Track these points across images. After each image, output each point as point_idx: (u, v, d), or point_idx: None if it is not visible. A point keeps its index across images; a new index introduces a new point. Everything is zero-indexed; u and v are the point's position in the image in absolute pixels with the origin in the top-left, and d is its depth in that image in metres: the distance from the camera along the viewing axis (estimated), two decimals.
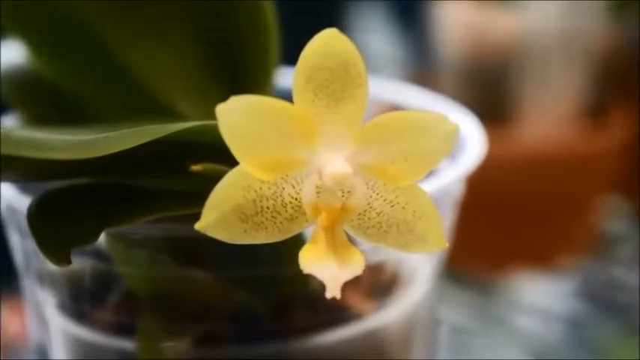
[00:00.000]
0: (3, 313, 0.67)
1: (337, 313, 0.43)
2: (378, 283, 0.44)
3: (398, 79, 0.94)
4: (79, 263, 0.42)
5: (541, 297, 0.82)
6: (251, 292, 0.42)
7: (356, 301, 0.44)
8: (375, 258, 0.43)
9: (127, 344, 0.42)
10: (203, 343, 0.42)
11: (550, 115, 0.86)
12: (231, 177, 0.33)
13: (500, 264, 0.86)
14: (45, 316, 0.45)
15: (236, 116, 0.32)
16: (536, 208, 0.85)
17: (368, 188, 0.33)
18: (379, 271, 0.45)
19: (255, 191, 0.33)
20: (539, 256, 0.86)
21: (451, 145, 0.33)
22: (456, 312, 0.79)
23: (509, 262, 0.86)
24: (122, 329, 0.42)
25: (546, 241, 0.87)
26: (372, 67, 0.96)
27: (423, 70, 0.93)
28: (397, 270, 0.45)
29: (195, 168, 0.35)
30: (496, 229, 0.85)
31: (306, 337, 0.42)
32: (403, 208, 0.34)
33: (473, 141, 0.46)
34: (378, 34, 0.99)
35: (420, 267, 0.46)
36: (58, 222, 0.36)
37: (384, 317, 0.44)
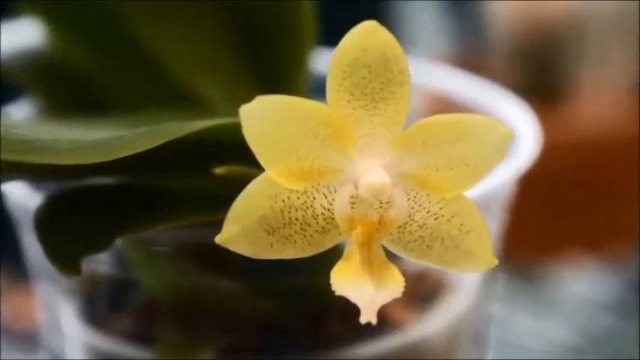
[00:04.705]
0: (17, 300, 0.64)
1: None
2: (420, 291, 0.41)
3: (447, 55, 0.90)
4: (96, 269, 0.39)
5: (589, 285, 0.79)
6: (282, 303, 0.39)
7: (396, 310, 0.41)
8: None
9: (147, 354, 0.39)
10: (227, 355, 0.39)
11: (604, 95, 0.83)
12: (255, 185, 0.29)
13: (550, 251, 0.83)
14: (59, 322, 0.42)
15: (261, 119, 0.28)
16: (588, 192, 0.82)
17: (409, 199, 0.30)
18: (422, 278, 0.41)
19: (283, 201, 0.29)
20: (590, 242, 0.83)
21: (504, 152, 0.29)
22: (501, 299, 0.76)
23: (558, 249, 0.83)
24: (141, 338, 0.40)
25: (597, 227, 0.84)
26: (420, 42, 0.92)
27: (472, 46, 0.89)
28: (441, 276, 0.42)
29: (219, 170, 0.32)
30: (545, 215, 0.82)
31: (341, 349, 0.39)
32: (448, 220, 0.30)
33: (526, 135, 0.43)
34: (427, 8, 0.95)
35: (467, 273, 0.42)
36: (67, 228, 0.33)
37: (427, 328, 0.41)
